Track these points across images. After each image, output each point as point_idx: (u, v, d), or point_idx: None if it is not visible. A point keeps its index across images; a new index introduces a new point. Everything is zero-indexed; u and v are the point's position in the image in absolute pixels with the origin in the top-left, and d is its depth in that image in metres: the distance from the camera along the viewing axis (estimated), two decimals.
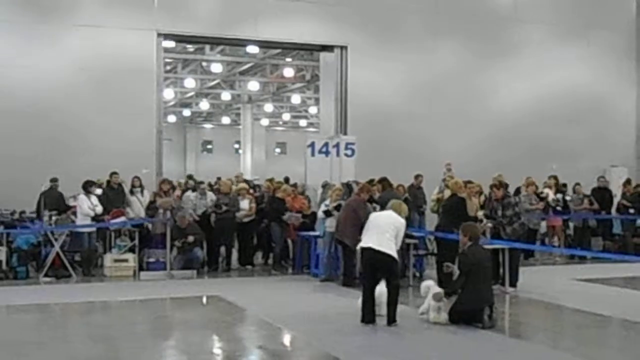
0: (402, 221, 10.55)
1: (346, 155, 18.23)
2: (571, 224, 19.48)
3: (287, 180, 21.29)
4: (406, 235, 14.06)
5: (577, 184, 19.58)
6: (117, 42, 18.83)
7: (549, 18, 23.06)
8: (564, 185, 19.65)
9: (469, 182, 14.53)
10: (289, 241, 17.03)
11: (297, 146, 41.49)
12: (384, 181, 15.08)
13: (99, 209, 15.67)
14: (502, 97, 22.59)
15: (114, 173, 16.73)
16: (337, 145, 18.23)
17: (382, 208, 14.09)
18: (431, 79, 21.67)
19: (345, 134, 20.14)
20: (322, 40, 21.27)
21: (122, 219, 16.03)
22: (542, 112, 22.57)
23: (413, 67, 21.56)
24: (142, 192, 16.89)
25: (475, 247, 10.64)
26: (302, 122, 53.81)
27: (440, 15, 21.82)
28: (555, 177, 19.28)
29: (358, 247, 10.56)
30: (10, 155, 17.62)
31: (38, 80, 18.31)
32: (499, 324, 10.40)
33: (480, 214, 13.84)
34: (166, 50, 22.27)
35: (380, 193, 14.91)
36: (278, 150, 59.29)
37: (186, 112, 51.64)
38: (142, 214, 16.48)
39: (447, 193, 14.89)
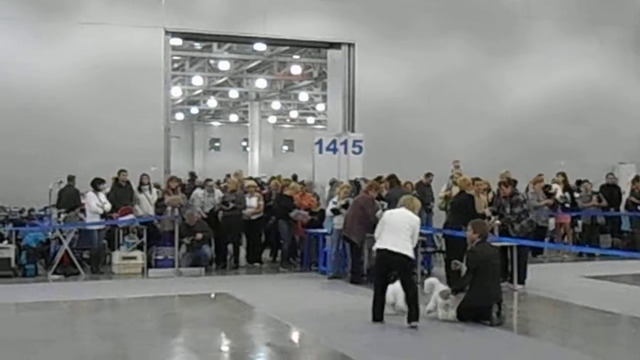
0: (417, 219, 10.42)
1: (354, 152, 18.23)
2: (580, 221, 19.43)
3: (295, 177, 21.30)
4: None
5: (586, 180, 19.53)
6: (124, 40, 18.88)
7: (556, 14, 23.00)
8: (578, 182, 19.54)
9: (477, 179, 14.50)
10: (297, 238, 17.02)
11: (305, 143, 41.50)
12: (392, 178, 15.07)
13: (108, 206, 15.70)
14: (509, 93, 22.56)
15: (122, 171, 16.76)
16: (344, 143, 18.23)
17: (390, 205, 14.11)
18: (439, 76, 21.65)
19: (352, 131, 20.16)
20: (329, 38, 21.28)
21: (131, 216, 16.05)
22: (550, 109, 22.53)
23: (420, 64, 21.53)
24: (150, 189, 16.91)
25: (483, 244, 10.62)
26: (310, 120, 53.79)
27: (448, 12, 21.79)
28: (563, 174, 19.21)
29: (374, 248, 10.42)
30: (18, 153, 17.69)
31: (45, 79, 18.37)
32: (507, 322, 10.38)
33: (487, 210, 13.80)
34: (174, 47, 22.29)
35: (387, 190, 14.90)
36: (285, 147, 59.27)
37: (194, 110, 51.68)
38: (151, 211, 16.50)
39: (455, 190, 14.86)
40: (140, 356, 9.06)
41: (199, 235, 15.75)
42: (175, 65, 32.82)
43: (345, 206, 14.58)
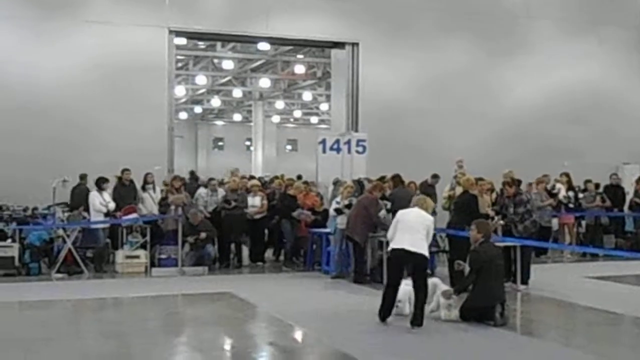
0: (432, 219, 10.36)
1: (357, 152, 18.23)
2: (583, 222, 19.41)
3: (299, 177, 21.31)
4: None
5: (589, 181, 19.50)
6: (128, 39, 18.89)
7: (557, 15, 22.97)
8: (586, 182, 19.45)
9: (480, 179, 14.50)
10: (300, 238, 17.01)
11: (308, 143, 41.53)
12: (395, 178, 15.06)
13: (112, 205, 15.71)
14: (512, 94, 22.54)
15: (126, 170, 16.76)
16: (348, 142, 18.22)
17: (394, 205, 14.14)
18: (442, 76, 21.64)
19: (356, 130, 20.15)
20: (333, 37, 21.27)
21: (134, 215, 16.07)
22: (552, 109, 22.50)
23: (424, 64, 21.53)
24: (154, 188, 16.92)
25: (487, 244, 10.62)
26: (314, 119, 53.75)
27: (451, 13, 21.77)
28: (567, 175, 19.20)
29: (389, 248, 10.29)
30: (21, 152, 17.69)
31: (48, 78, 18.37)
32: (510, 322, 10.37)
33: (490, 210, 13.79)
34: (177, 47, 22.27)
35: (391, 190, 14.89)
36: (289, 147, 59.24)
37: (197, 109, 51.67)
38: (155, 210, 16.52)
39: (459, 190, 14.85)
40: (144, 355, 9.06)
41: (203, 235, 15.77)
42: (179, 65, 32.79)
43: (348, 206, 14.58)
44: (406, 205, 13.97)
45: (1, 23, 18.28)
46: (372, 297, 12.72)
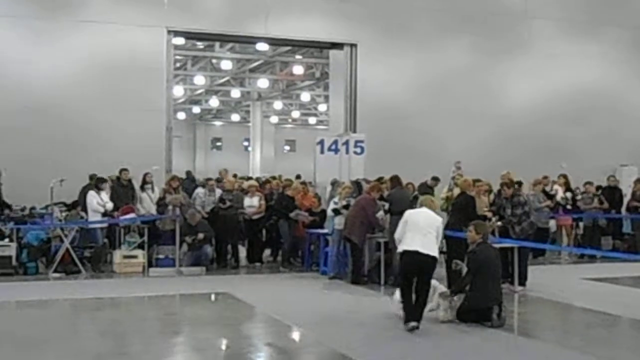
0: (440, 219, 10.31)
1: (355, 153, 18.21)
2: (581, 223, 19.42)
3: (298, 177, 21.31)
4: None
5: (587, 182, 19.51)
6: (126, 39, 18.88)
7: (557, 14, 22.99)
8: (587, 183, 19.44)
9: (478, 180, 14.51)
10: (298, 238, 17.02)
11: (307, 144, 41.50)
12: (394, 179, 15.06)
13: (110, 205, 15.69)
14: (511, 94, 22.55)
15: (124, 169, 16.76)
16: (346, 143, 18.21)
17: (392, 206, 14.15)
18: (440, 76, 21.66)
19: (354, 131, 20.15)
20: (331, 38, 21.28)
21: (132, 215, 16.06)
22: (551, 110, 22.53)
23: (422, 64, 21.54)
24: (153, 188, 16.91)
25: (484, 245, 10.63)
26: (312, 120, 53.76)
27: (450, 13, 21.79)
28: (564, 176, 19.22)
29: (400, 249, 10.08)
30: (19, 152, 17.66)
31: (47, 77, 18.37)
32: (507, 323, 10.39)
33: (486, 211, 13.80)
34: (176, 47, 22.29)
35: (389, 191, 14.90)
36: (287, 147, 59.26)
37: (196, 109, 51.67)
38: (153, 210, 16.52)
39: (456, 191, 14.87)
40: (141, 355, 9.06)
41: (201, 235, 15.77)
42: (178, 65, 32.82)
43: (346, 207, 14.59)
44: (404, 206, 14.05)
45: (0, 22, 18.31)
46: (370, 298, 12.78)
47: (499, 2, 22.68)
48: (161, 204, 16.40)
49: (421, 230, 9.95)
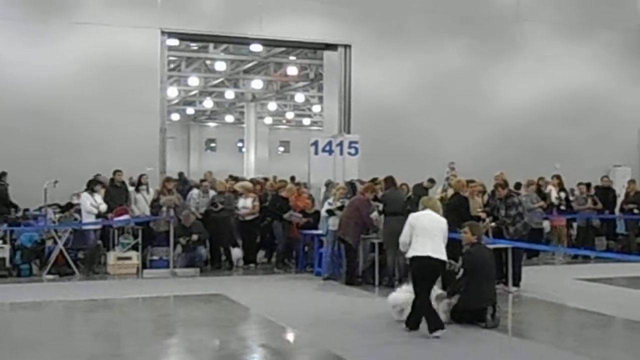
0: (445, 221, 10.17)
1: (349, 153, 18.24)
2: (575, 224, 19.46)
3: (292, 179, 21.30)
4: None
5: (581, 183, 19.55)
6: (120, 40, 18.88)
7: (552, 17, 23.06)
8: (580, 184, 19.46)
9: (471, 181, 14.53)
10: (292, 240, 17.01)
11: (301, 145, 41.48)
12: (388, 180, 15.07)
13: (103, 207, 15.64)
14: (505, 96, 22.60)
15: (118, 171, 16.73)
16: (340, 144, 18.23)
17: (386, 207, 14.16)
18: (434, 77, 21.69)
19: (348, 132, 20.17)
20: (326, 39, 21.31)
21: (126, 216, 16.03)
22: (546, 111, 22.59)
23: (416, 66, 21.58)
24: (148, 190, 16.88)
25: (479, 246, 10.64)
26: (306, 121, 53.75)
27: (444, 14, 21.83)
28: (558, 177, 19.26)
29: (410, 255, 9.84)
30: (13, 153, 17.65)
31: (41, 79, 18.35)
32: (501, 323, 10.38)
33: (480, 212, 13.82)
34: (170, 48, 22.29)
35: (383, 191, 14.91)
36: (281, 148, 59.24)
37: (190, 111, 51.60)
38: (147, 211, 16.49)
39: (450, 192, 14.89)
40: (135, 357, 9.04)
41: (195, 237, 15.75)
42: (172, 66, 32.78)
43: (340, 208, 14.59)
44: (398, 207, 14.11)
45: None
46: (364, 299, 12.79)
47: (493, 4, 22.75)
48: (155, 205, 16.37)
49: (429, 234, 9.80)
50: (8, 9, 18.41)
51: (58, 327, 10.77)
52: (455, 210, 13.35)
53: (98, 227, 15.83)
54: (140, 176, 16.81)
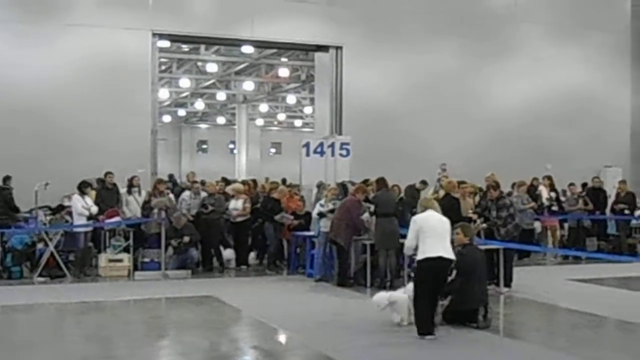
0: (448, 221, 10.10)
1: (341, 155, 18.23)
2: (566, 225, 19.51)
3: (284, 181, 21.30)
4: (401, 236, 14.12)
5: (572, 184, 19.61)
6: (111, 42, 18.83)
7: (545, 18, 23.11)
8: (572, 184, 19.50)
9: (463, 182, 14.55)
10: (284, 241, 17.01)
11: (292, 146, 41.50)
12: (380, 181, 15.08)
13: (94, 209, 15.60)
14: (497, 97, 22.63)
15: (109, 173, 16.69)
16: (332, 146, 18.23)
17: (377, 208, 14.16)
18: (426, 78, 21.70)
19: (340, 134, 20.16)
20: (317, 41, 21.29)
21: (117, 218, 15.99)
22: (537, 112, 22.63)
23: (408, 67, 21.58)
24: (139, 192, 16.84)
25: (470, 247, 10.66)
26: (297, 122, 53.76)
27: (436, 15, 21.85)
28: (549, 177, 19.32)
29: (421, 257, 9.68)
30: (3, 154, 17.56)
31: (32, 80, 18.27)
32: (493, 324, 10.41)
33: (471, 213, 13.84)
34: (161, 50, 22.25)
35: (375, 193, 14.92)
36: (273, 150, 59.24)
37: (181, 112, 51.56)
38: (139, 213, 16.44)
39: (442, 193, 14.90)
40: (126, 359, 9.04)
41: (186, 238, 15.73)
42: (163, 68, 32.75)
43: (332, 211, 14.58)
44: (390, 208, 14.13)
45: None
46: (356, 300, 12.78)
47: (486, 5, 22.78)
48: (146, 207, 16.33)
49: (438, 235, 9.74)
50: (0, 11, 18.34)
51: (49, 330, 10.73)
52: (446, 211, 13.33)
53: (89, 229, 15.78)
54: (132, 178, 16.77)
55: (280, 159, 55.35)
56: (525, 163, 20.49)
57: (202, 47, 29.65)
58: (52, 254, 15.08)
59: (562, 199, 19.36)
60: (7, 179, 16.82)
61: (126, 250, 15.78)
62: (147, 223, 16.14)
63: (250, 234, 17.36)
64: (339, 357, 8.74)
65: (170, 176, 24.02)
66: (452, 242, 10.79)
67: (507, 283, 13.43)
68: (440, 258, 9.59)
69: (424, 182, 18.64)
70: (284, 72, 32.86)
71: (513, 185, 17.40)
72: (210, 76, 36.06)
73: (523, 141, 22.10)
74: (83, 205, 15.48)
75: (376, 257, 14.05)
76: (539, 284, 14.47)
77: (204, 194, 16.93)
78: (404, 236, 14.08)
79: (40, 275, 14.91)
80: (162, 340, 10.24)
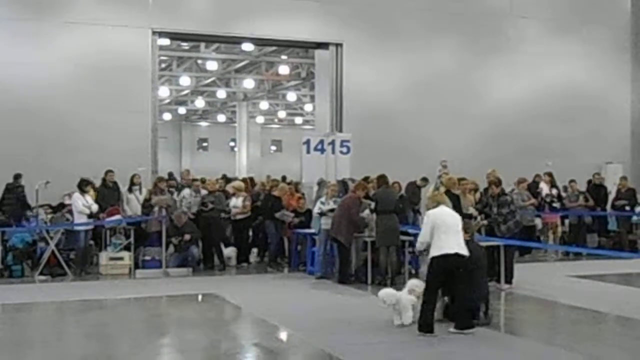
0: (459, 216, 10.12)
1: (341, 152, 18.23)
2: (567, 221, 19.50)
3: (284, 178, 21.29)
4: (402, 233, 14.14)
5: (572, 180, 19.60)
6: (111, 40, 18.82)
7: (544, 14, 23.07)
8: (572, 181, 19.47)
9: (463, 179, 14.54)
10: (285, 239, 17.02)
11: (293, 144, 41.50)
12: (380, 178, 15.08)
13: (95, 207, 15.60)
14: (497, 93, 22.60)
15: (110, 171, 16.69)
16: (332, 143, 18.22)
17: (378, 204, 14.16)
18: (427, 76, 21.68)
19: (340, 131, 20.16)
20: (317, 38, 21.27)
21: (118, 217, 15.99)
22: (538, 109, 22.59)
23: (408, 64, 21.56)
24: (140, 190, 16.85)
25: (471, 244, 10.63)
26: (298, 120, 53.73)
27: (436, 13, 21.82)
28: (550, 174, 19.31)
29: (437, 253, 9.60)
30: (4, 153, 17.57)
31: (32, 78, 18.26)
32: (494, 321, 10.41)
33: (472, 209, 13.83)
34: (161, 47, 22.23)
35: (375, 190, 14.92)
36: (274, 147, 59.20)
37: (181, 110, 51.52)
38: (140, 211, 16.44)
39: (442, 190, 14.88)
40: (127, 357, 9.05)
41: (187, 236, 15.74)
42: (163, 66, 32.74)
43: (332, 210, 14.58)
44: (390, 205, 14.13)
45: None
46: (357, 298, 12.79)
47: (486, 1, 22.73)
48: (147, 205, 16.34)
49: (453, 230, 9.74)
50: None
51: (50, 328, 10.74)
52: None
53: (90, 227, 15.79)
54: (133, 176, 16.78)
55: (281, 156, 55.33)
56: (526, 160, 20.51)
57: (202, 45, 29.64)
58: (53, 252, 15.09)
59: (563, 194, 19.34)
60: (18, 176, 16.87)
61: (127, 248, 15.78)
62: (148, 221, 16.17)
63: (251, 231, 17.36)
64: (340, 354, 8.74)
65: (170, 174, 23.98)
66: None
67: (508, 280, 13.42)
68: (456, 254, 9.57)
69: (424, 179, 18.63)
70: (284, 70, 32.84)
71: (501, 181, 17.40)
72: (210, 74, 36.05)
73: (523, 138, 22.07)
74: (84, 204, 15.49)
75: (377, 254, 14.05)
76: (539, 280, 14.47)
77: (204, 192, 16.93)
78: (405, 233, 14.21)
79: (41, 273, 14.92)
80: (163, 338, 10.24)
